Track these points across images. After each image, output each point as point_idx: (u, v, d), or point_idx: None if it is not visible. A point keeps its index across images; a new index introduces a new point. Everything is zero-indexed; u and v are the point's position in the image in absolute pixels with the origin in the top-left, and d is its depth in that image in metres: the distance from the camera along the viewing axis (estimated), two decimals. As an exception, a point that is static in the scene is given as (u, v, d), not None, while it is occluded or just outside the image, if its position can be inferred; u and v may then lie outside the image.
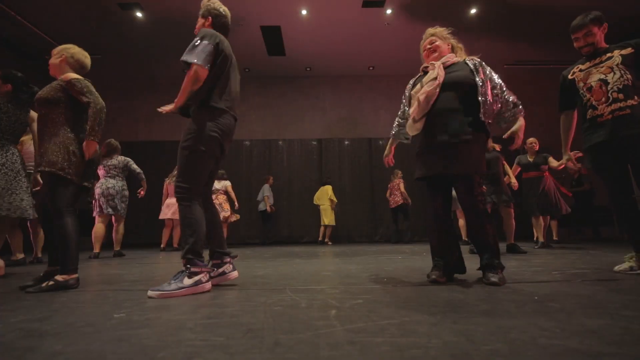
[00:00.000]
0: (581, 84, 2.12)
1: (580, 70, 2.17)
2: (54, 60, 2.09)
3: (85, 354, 0.79)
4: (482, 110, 1.75)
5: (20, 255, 3.36)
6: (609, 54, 2.06)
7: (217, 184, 6.07)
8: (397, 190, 6.61)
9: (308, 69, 8.18)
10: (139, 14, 6.11)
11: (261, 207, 6.95)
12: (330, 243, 6.85)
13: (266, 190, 6.93)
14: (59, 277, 1.79)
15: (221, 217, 6.09)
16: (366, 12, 6.13)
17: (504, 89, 1.86)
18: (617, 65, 1.99)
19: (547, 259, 2.88)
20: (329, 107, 8.48)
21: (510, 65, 8.08)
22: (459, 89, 1.79)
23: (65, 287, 1.77)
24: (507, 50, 7.54)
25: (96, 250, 4.06)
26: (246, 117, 8.18)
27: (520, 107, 1.90)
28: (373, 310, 1.16)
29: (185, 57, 1.68)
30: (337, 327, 0.96)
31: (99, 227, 4.11)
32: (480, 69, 1.84)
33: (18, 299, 1.53)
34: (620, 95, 1.95)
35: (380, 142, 8.11)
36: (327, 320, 1.04)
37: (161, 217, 5.69)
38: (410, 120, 1.88)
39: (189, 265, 1.61)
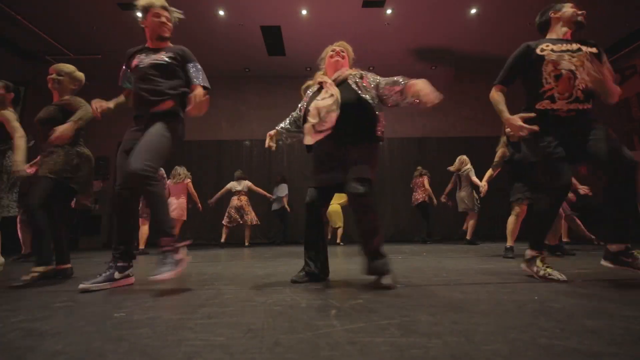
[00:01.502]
0: (549, 67, 1.79)
1: (552, 51, 1.81)
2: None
3: (85, 353, 0.79)
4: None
5: None
6: (575, 45, 1.81)
7: (238, 185, 6.21)
8: (421, 188, 6.39)
9: (308, 69, 8.17)
10: (139, 14, 6.11)
11: (274, 206, 6.95)
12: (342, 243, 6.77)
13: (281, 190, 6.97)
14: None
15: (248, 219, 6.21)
16: (366, 12, 6.14)
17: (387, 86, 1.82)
18: (587, 60, 1.75)
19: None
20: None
21: (510, 65, 8.09)
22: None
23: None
24: (507, 50, 7.54)
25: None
26: (246, 117, 8.18)
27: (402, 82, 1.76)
28: (373, 310, 1.16)
29: (206, 84, 1.88)
30: (337, 327, 0.96)
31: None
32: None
33: (18, 299, 1.53)
34: (582, 96, 1.75)
35: (380, 142, 8.13)
36: (327, 320, 1.04)
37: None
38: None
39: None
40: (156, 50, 1.95)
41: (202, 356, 0.75)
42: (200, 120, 8.88)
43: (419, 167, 6.70)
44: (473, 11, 6.22)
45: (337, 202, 6.65)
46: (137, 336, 0.90)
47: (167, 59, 1.89)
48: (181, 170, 5.60)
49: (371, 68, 8.22)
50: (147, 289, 1.72)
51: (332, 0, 5.86)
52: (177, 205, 5.51)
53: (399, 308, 1.18)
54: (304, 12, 6.14)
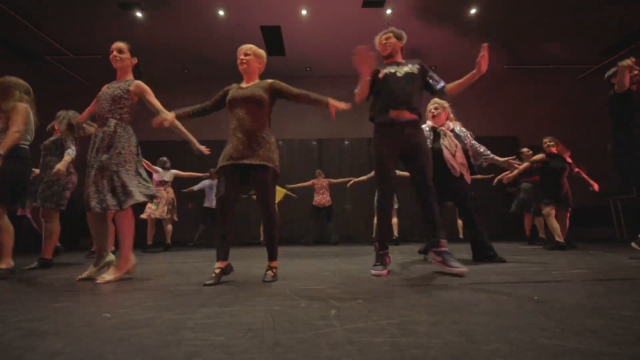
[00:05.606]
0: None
1: None
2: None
3: (85, 353, 0.79)
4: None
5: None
6: None
7: (166, 175, 5.48)
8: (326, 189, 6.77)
9: (308, 69, 8.18)
10: (139, 14, 6.11)
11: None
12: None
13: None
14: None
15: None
16: (366, 12, 6.14)
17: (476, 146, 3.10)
18: None
19: (547, 259, 2.88)
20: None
21: (510, 65, 8.09)
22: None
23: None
24: (507, 50, 7.55)
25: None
26: (246, 117, 8.16)
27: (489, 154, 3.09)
28: (373, 310, 1.16)
29: None
30: (337, 327, 0.96)
31: None
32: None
33: (18, 298, 1.53)
34: None
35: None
36: (327, 320, 1.04)
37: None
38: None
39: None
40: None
41: (202, 356, 0.75)
42: (200, 120, 8.90)
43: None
44: (473, 11, 6.22)
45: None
46: (137, 336, 0.90)
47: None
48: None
49: (371, 68, 8.22)
50: (147, 289, 1.72)
51: (332, 0, 5.86)
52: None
53: (399, 308, 1.18)
54: (304, 12, 6.15)
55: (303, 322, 1.02)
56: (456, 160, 2.90)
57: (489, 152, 3.09)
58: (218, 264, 1.93)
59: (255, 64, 2.26)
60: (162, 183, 5.38)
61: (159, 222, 5.47)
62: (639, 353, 0.72)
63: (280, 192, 6.89)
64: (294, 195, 6.96)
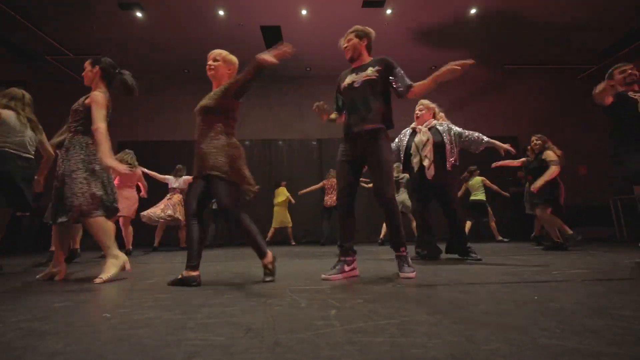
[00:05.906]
0: None
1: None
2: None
3: (85, 353, 0.79)
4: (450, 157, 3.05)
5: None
6: None
7: (176, 182, 5.57)
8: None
9: (308, 69, 8.18)
10: (139, 14, 6.11)
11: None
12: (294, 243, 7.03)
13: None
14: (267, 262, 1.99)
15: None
16: (366, 12, 6.14)
17: (467, 133, 3.12)
18: None
19: (547, 259, 2.88)
20: (329, 107, 8.48)
21: (510, 65, 8.09)
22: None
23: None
24: (507, 50, 7.54)
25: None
26: (246, 117, 8.17)
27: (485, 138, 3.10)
28: (373, 310, 1.16)
29: None
30: (337, 327, 0.96)
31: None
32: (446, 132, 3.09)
33: (18, 298, 1.53)
34: None
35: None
36: (327, 320, 1.04)
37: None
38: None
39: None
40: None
41: (202, 356, 0.75)
42: (200, 120, 8.89)
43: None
44: (473, 11, 6.22)
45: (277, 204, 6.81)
46: (137, 336, 0.90)
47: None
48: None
49: (371, 68, 8.21)
50: (147, 289, 1.72)
51: (332, 0, 5.86)
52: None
53: (399, 308, 1.18)
54: (304, 12, 6.15)
55: (303, 322, 1.02)
56: (419, 155, 3.02)
57: (483, 137, 3.10)
58: (184, 272, 1.84)
59: (224, 70, 2.15)
60: (172, 190, 5.61)
61: (173, 228, 5.73)
62: (639, 353, 0.72)
63: (284, 196, 6.90)
64: (292, 200, 6.98)
